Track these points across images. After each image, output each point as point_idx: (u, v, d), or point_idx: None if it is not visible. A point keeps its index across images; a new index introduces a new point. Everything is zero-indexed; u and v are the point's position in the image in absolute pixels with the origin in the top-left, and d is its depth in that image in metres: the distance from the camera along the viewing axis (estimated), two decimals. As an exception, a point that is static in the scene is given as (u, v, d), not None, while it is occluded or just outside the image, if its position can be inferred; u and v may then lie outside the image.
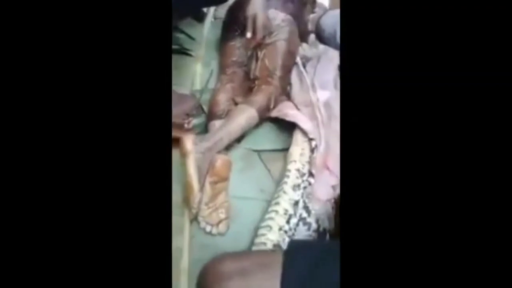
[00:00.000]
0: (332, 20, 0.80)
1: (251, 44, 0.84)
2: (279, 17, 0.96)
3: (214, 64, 1.01)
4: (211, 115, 0.77)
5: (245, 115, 0.75)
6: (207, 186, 0.64)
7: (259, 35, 0.81)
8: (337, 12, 0.81)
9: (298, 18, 1.05)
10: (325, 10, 0.95)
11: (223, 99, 0.80)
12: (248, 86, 0.90)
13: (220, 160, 0.66)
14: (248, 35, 0.81)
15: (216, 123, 0.74)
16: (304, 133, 0.82)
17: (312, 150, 0.76)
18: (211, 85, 0.92)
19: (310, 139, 0.78)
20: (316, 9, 1.21)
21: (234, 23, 0.95)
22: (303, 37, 1.07)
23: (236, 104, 0.80)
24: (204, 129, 0.78)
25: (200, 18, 1.16)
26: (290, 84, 0.97)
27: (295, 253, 0.44)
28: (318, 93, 0.95)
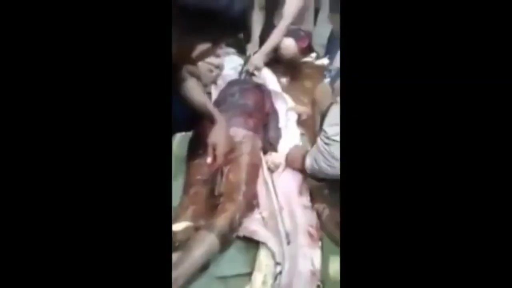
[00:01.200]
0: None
1: (212, 168, 0.88)
2: (241, 134, 1.03)
3: (181, 179, 1.03)
4: (169, 247, 0.76)
5: (205, 244, 0.74)
6: None
7: (219, 161, 0.86)
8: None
9: (260, 131, 1.14)
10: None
11: (181, 227, 0.79)
12: (213, 203, 0.91)
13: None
14: (208, 160, 0.86)
15: (173, 257, 0.72)
16: (269, 252, 0.80)
17: (276, 277, 0.74)
18: (173, 203, 0.92)
19: (276, 263, 0.76)
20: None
21: (198, 143, 1.02)
22: (267, 148, 1.14)
23: (197, 229, 0.80)
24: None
25: (171, 132, 1.24)
26: (256, 196, 0.99)
27: None
28: (281, 202, 0.97)
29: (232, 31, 0.71)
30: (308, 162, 0.92)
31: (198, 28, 0.62)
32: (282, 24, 1.54)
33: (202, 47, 0.64)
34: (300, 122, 1.34)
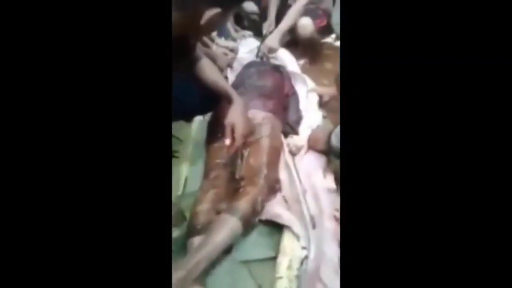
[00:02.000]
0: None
1: (231, 150, 0.85)
2: (260, 115, 0.99)
3: (201, 163, 1.01)
4: (190, 231, 0.73)
5: (227, 227, 0.71)
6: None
7: (238, 143, 0.82)
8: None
9: (280, 113, 1.08)
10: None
11: (203, 209, 0.76)
12: (234, 187, 0.87)
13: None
14: (227, 142, 0.82)
15: (195, 241, 0.70)
16: (294, 236, 0.76)
17: (302, 262, 0.69)
18: (193, 187, 0.90)
19: (302, 248, 0.72)
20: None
21: (216, 126, 0.99)
22: (287, 131, 1.09)
23: (218, 213, 0.77)
24: (182, 245, 0.73)
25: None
26: (278, 180, 0.95)
27: None
28: (305, 185, 0.92)
29: None
30: (334, 139, 0.86)
31: None
32: (299, 3, 1.47)
33: (210, 12, 0.58)
34: (322, 104, 1.28)
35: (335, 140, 0.86)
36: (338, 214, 0.87)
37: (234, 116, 0.82)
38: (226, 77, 1.37)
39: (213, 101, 0.96)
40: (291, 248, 0.72)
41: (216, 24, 0.66)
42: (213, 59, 1.34)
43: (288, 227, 0.78)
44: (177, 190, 0.92)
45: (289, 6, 1.52)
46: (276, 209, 0.83)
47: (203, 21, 0.58)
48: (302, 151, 1.04)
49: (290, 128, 1.12)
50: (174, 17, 0.56)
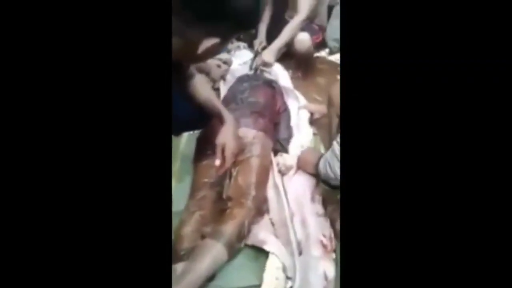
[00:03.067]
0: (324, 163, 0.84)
1: (220, 171, 0.83)
2: (250, 134, 0.98)
3: (188, 180, 0.98)
4: (173, 256, 0.71)
5: (212, 255, 0.69)
6: None
7: (228, 164, 0.81)
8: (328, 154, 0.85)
9: (271, 131, 1.07)
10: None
11: (188, 232, 0.74)
12: (220, 208, 0.86)
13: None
14: (217, 162, 0.80)
15: (178, 268, 0.67)
16: (279, 265, 0.75)
17: (286, 293, 0.68)
18: (178, 207, 0.87)
19: (287, 278, 0.71)
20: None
21: (206, 142, 0.97)
22: (278, 148, 1.08)
23: (203, 237, 0.75)
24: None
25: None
26: (266, 200, 0.93)
27: None
28: (293, 209, 0.91)
29: (244, 25, 0.63)
30: (322, 166, 0.86)
31: (204, 20, 0.55)
32: (297, 19, 1.47)
33: (208, 42, 0.56)
34: (313, 121, 1.27)
35: (323, 167, 0.86)
36: (325, 240, 0.86)
37: (226, 136, 0.81)
38: (218, 89, 1.36)
39: (205, 118, 0.94)
40: (276, 277, 0.71)
41: (213, 53, 0.64)
42: (207, 71, 1.32)
43: (273, 254, 0.77)
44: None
45: (286, 21, 1.52)
46: (262, 234, 0.82)
47: (200, 50, 0.56)
48: (292, 171, 1.03)
49: (281, 146, 1.11)
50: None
